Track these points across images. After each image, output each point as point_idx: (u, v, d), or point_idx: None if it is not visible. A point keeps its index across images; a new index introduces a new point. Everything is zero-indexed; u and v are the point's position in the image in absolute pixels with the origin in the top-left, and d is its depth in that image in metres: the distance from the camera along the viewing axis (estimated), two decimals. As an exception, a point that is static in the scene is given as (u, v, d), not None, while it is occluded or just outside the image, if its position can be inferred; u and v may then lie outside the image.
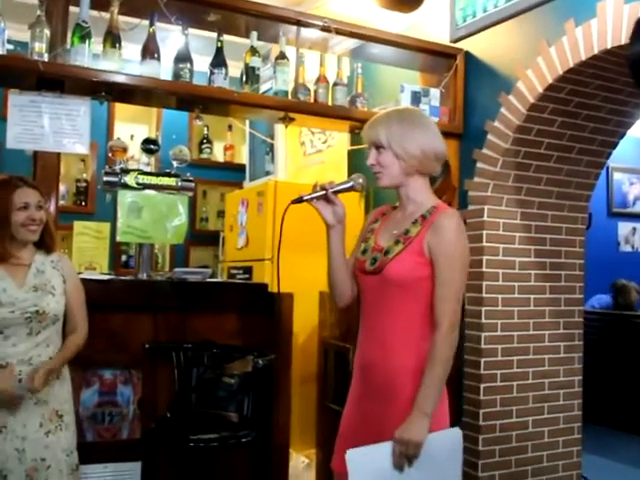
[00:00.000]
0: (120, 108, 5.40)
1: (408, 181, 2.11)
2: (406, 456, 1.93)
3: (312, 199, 2.12)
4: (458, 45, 3.84)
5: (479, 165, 3.65)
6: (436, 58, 3.84)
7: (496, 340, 3.63)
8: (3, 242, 2.33)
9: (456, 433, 2.08)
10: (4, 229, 2.32)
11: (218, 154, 5.96)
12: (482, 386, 3.59)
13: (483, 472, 3.58)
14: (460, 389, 3.71)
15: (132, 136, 4.84)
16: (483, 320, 3.59)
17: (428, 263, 2.02)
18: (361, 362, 2.15)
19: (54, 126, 2.97)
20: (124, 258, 5.29)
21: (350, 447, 1.97)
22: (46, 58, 2.89)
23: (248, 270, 4.38)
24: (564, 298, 3.85)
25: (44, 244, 2.45)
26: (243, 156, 5.63)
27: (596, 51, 3.03)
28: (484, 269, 3.59)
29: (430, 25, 4.06)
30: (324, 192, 2.11)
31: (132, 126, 5.32)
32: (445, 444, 2.02)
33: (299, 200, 2.12)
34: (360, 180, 2.15)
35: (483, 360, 3.59)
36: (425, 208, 2.11)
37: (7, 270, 2.36)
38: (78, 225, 3.24)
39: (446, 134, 3.69)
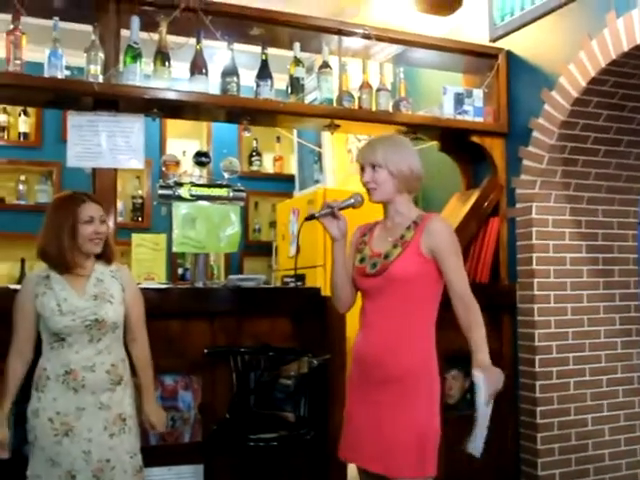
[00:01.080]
0: (172, 125, 5.58)
1: (397, 197, 2.41)
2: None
3: (321, 216, 2.42)
4: (498, 44, 3.86)
5: (525, 163, 3.66)
6: (478, 59, 3.87)
7: (550, 337, 3.62)
8: (72, 253, 2.45)
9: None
10: (73, 240, 2.45)
11: (268, 165, 6.07)
12: (538, 384, 3.59)
13: (543, 471, 3.57)
14: (515, 387, 3.71)
15: (184, 152, 5.00)
16: (536, 317, 3.59)
17: (426, 261, 2.32)
18: (364, 357, 2.37)
19: (110, 144, 3.12)
20: (181, 271, 5.43)
21: (361, 438, 2.33)
22: (101, 79, 3.05)
23: (301, 277, 4.46)
24: (619, 293, 3.82)
25: (104, 255, 2.56)
26: (292, 166, 5.74)
27: (639, 41, 3.02)
28: (534, 266, 3.59)
29: (470, 27, 4.10)
30: (331, 209, 2.41)
31: (184, 141, 5.49)
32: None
33: (311, 217, 2.47)
34: (359, 198, 2.45)
35: (538, 357, 3.59)
36: (414, 216, 2.41)
37: (68, 280, 2.47)
38: (136, 237, 3.36)
39: (491, 133, 3.79)
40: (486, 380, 2.26)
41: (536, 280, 3.60)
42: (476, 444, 2.31)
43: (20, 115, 5.33)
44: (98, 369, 2.42)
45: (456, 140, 3.94)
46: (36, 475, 2.38)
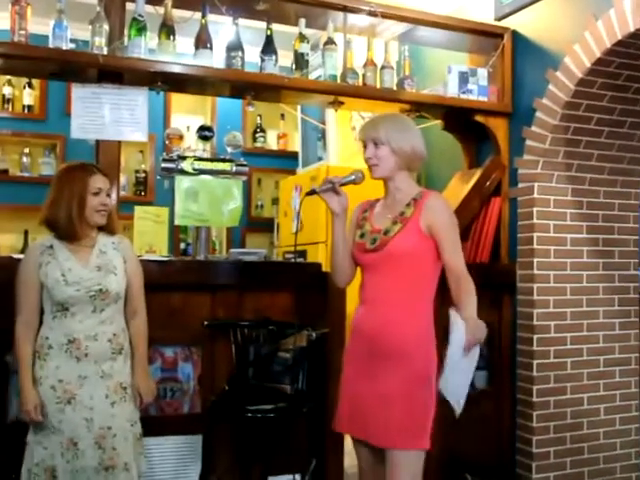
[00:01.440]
0: (176, 100, 5.58)
1: (397, 174, 2.46)
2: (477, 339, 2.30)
3: (322, 191, 2.46)
4: (504, 24, 3.85)
5: (528, 143, 3.66)
6: (483, 38, 3.86)
7: (549, 317, 3.64)
8: (80, 223, 2.47)
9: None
10: (81, 211, 2.47)
11: (272, 142, 6.07)
12: (535, 362, 3.61)
13: (537, 448, 3.61)
14: (513, 365, 3.74)
15: (188, 127, 4.97)
16: (535, 297, 3.61)
17: (425, 238, 2.36)
18: (363, 329, 2.42)
19: (114, 116, 3.12)
20: (183, 246, 5.45)
21: (357, 410, 2.37)
22: (105, 52, 3.05)
23: (302, 254, 4.48)
24: (618, 274, 3.84)
25: (107, 227, 2.59)
26: (296, 144, 5.73)
27: (645, 22, 3.02)
28: (535, 246, 3.61)
29: (475, 5, 4.07)
30: (332, 185, 2.45)
31: (188, 117, 5.48)
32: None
33: (311, 192, 2.50)
34: (360, 174, 2.49)
35: (536, 337, 3.61)
36: (414, 193, 2.45)
37: (72, 250, 2.50)
38: (139, 210, 3.39)
39: (495, 113, 3.79)
40: (465, 325, 2.27)
41: (536, 260, 3.62)
42: (448, 388, 2.30)
43: (25, 88, 5.33)
44: (100, 338, 2.46)
45: (460, 119, 3.94)
46: (37, 441, 2.42)
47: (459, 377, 2.30)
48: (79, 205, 2.47)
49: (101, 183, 2.53)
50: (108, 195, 2.57)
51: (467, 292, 2.32)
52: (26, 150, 5.32)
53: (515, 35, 3.81)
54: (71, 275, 2.44)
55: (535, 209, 3.61)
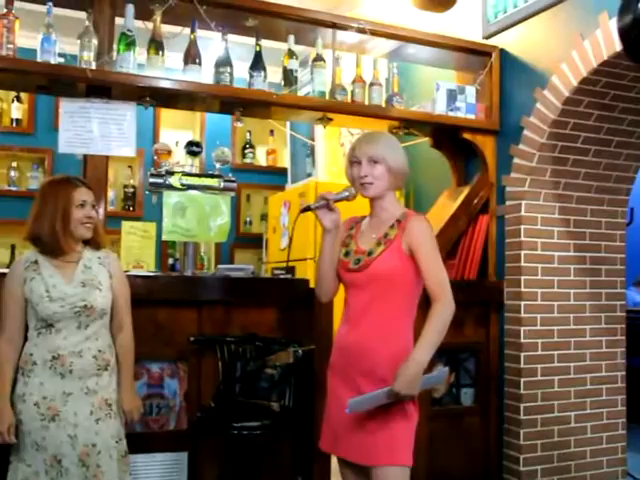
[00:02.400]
0: (165, 116, 5.58)
1: (386, 194, 2.47)
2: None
3: (317, 208, 2.45)
4: (492, 42, 3.88)
5: (516, 161, 3.68)
6: (471, 56, 3.89)
7: (536, 334, 3.65)
8: (64, 237, 2.45)
9: (444, 372, 2.42)
10: (65, 224, 2.45)
11: (261, 158, 6.07)
12: (522, 380, 3.61)
13: (525, 466, 3.60)
14: (500, 382, 3.74)
15: (177, 142, 4.97)
16: (522, 314, 3.62)
17: (407, 259, 2.36)
18: (344, 346, 2.42)
19: (102, 130, 3.12)
20: (171, 261, 5.43)
21: (341, 428, 2.36)
22: (94, 66, 3.05)
23: (291, 270, 4.47)
24: (605, 292, 3.85)
25: (93, 241, 2.57)
26: (285, 160, 5.74)
27: (630, 43, 3.05)
28: (522, 264, 3.62)
29: (464, 24, 4.12)
30: (326, 202, 2.44)
31: (177, 132, 5.48)
32: (433, 379, 2.38)
33: (306, 209, 2.50)
34: (353, 191, 2.48)
35: (523, 354, 3.62)
36: (398, 214, 2.45)
37: (57, 266, 2.48)
38: (126, 225, 3.36)
39: (483, 131, 3.81)
40: (398, 375, 2.23)
41: (523, 277, 3.63)
42: (358, 404, 2.28)
43: (13, 101, 5.32)
44: (85, 354, 2.43)
45: (448, 136, 3.96)
46: (21, 459, 2.39)
47: (368, 403, 2.29)
48: (63, 218, 2.45)
49: (85, 195, 2.52)
50: (94, 207, 2.56)
51: (432, 319, 2.28)
52: (14, 164, 5.31)
53: (503, 53, 3.85)
54: (55, 291, 2.42)
55: (522, 227, 3.63)
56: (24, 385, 2.40)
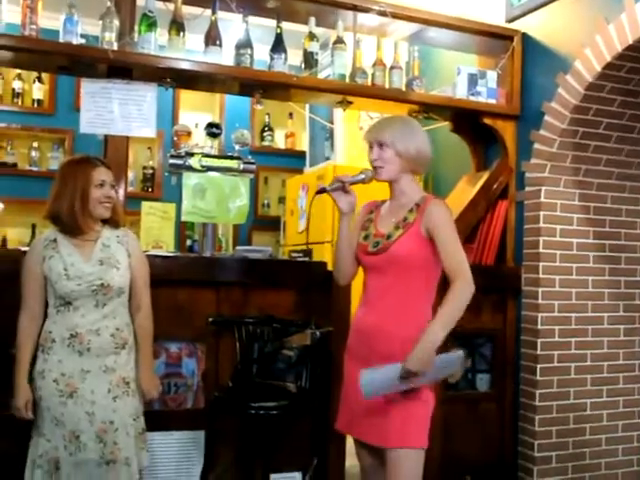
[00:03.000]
0: (185, 97, 5.59)
1: (402, 177, 2.47)
2: (408, 380, 2.25)
3: (332, 190, 2.47)
4: (514, 26, 3.84)
5: (536, 146, 3.65)
6: (493, 40, 3.85)
7: (553, 321, 3.64)
8: (83, 216, 2.47)
9: (460, 356, 2.39)
10: (84, 204, 2.47)
11: (279, 141, 6.07)
12: (539, 367, 3.61)
13: (539, 452, 3.61)
14: (516, 368, 3.74)
15: (196, 124, 5.00)
16: (540, 301, 3.61)
17: (425, 243, 2.37)
18: (360, 328, 2.45)
19: (123, 111, 3.13)
20: (189, 243, 5.46)
21: (357, 409, 2.37)
22: (115, 47, 3.06)
23: (308, 253, 4.48)
24: (624, 280, 3.83)
25: (112, 220, 2.58)
26: (304, 143, 5.74)
27: (656, 27, 3.01)
28: (541, 250, 3.60)
29: (485, 7, 4.06)
30: (342, 184, 2.46)
31: (196, 114, 5.50)
32: (447, 362, 2.36)
33: (322, 191, 2.50)
34: (369, 173, 2.49)
35: (540, 341, 3.61)
36: (417, 198, 2.45)
37: (75, 244, 2.50)
38: (146, 205, 3.39)
39: (503, 116, 3.78)
40: (412, 352, 2.24)
41: (542, 264, 3.61)
42: (371, 385, 2.28)
43: (34, 82, 5.35)
44: (103, 333, 2.45)
45: (468, 121, 3.94)
46: (41, 434, 2.43)
47: (380, 385, 2.28)
48: (82, 198, 2.46)
49: (104, 175, 2.53)
50: (113, 187, 2.57)
51: (450, 299, 2.27)
52: (35, 144, 5.34)
53: (525, 38, 3.81)
54: (73, 270, 2.44)
55: (542, 213, 3.61)
56: (44, 362, 2.44)
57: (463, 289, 2.29)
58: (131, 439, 2.48)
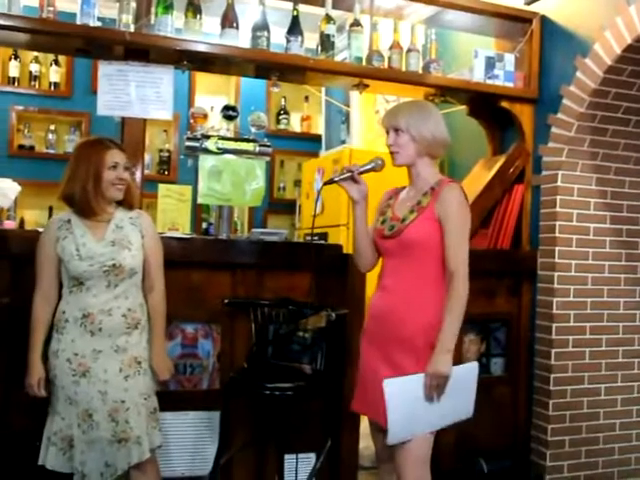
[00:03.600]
0: (200, 81, 5.59)
1: (419, 161, 2.47)
2: (436, 387, 2.30)
3: (341, 180, 2.49)
4: (533, 8, 3.80)
5: (553, 130, 3.63)
6: (511, 23, 3.82)
7: (568, 306, 3.63)
8: (96, 198, 2.49)
9: (473, 366, 2.43)
10: (97, 185, 2.48)
11: (295, 125, 6.06)
12: (553, 351, 3.61)
13: (553, 436, 3.62)
14: (531, 353, 3.74)
15: (212, 107, 5.00)
16: (555, 285, 3.60)
17: (438, 226, 2.37)
18: (376, 312, 2.48)
19: (140, 94, 3.14)
20: (205, 225, 5.48)
21: (371, 391, 2.40)
22: (132, 29, 3.07)
23: (324, 236, 4.50)
24: (641, 266, 3.81)
25: (125, 202, 2.59)
26: (319, 126, 5.72)
27: (677, 10, 2.98)
28: (557, 234, 3.59)
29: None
30: (351, 174, 2.48)
31: (212, 97, 5.49)
32: (464, 376, 2.39)
33: (330, 182, 2.52)
34: (379, 162, 2.51)
35: (555, 325, 3.61)
36: (433, 182, 2.46)
37: (88, 225, 2.52)
38: (162, 188, 3.40)
39: (521, 99, 3.76)
40: (426, 373, 2.31)
41: (558, 248, 3.60)
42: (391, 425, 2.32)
43: (51, 65, 5.36)
44: (115, 313, 2.47)
45: (485, 105, 3.91)
46: (56, 412, 2.47)
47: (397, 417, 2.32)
48: (95, 179, 2.47)
49: (117, 157, 2.53)
50: (127, 169, 2.57)
51: (451, 308, 2.32)
52: (52, 127, 5.36)
53: (544, 20, 3.77)
54: (85, 250, 2.46)
55: (558, 197, 3.59)
56: (57, 342, 2.47)
57: (459, 290, 2.33)
58: (142, 418, 2.49)
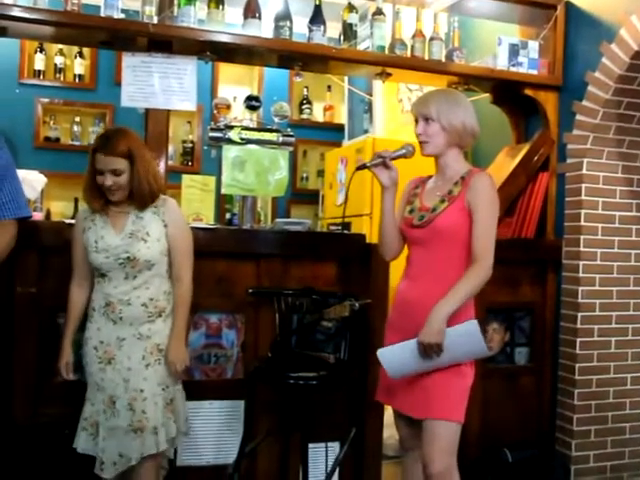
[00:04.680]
0: (223, 71, 5.60)
1: (448, 151, 2.45)
2: (429, 352, 2.28)
3: (372, 166, 2.48)
4: (558, -6, 3.76)
5: (578, 117, 3.59)
6: (535, 9, 3.78)
7: (594, 295, 3.60)
8: (93, 198, 2.50)
9: (472, 324, 2.33)
10: (91, 188, 2.49)
11: (318, 114, 6.06)
12: (578, 340, 3.58)
13: (578, 426, 3.60)
14: (556, 342, 3.72)
15: (235, 98, 5.01)
16: (580, 274, 3.57)
17: (469, 216, 2.36)
18: (404, 301, 2.47)
19: (163, 85, 3.16)
20: (228, 216, 5.50)
21: (396, 381, 2.41)
22: (155, 21, 3.09)
23: (347, 226, 4.50)
24: (667, 255, 3.76)
25: (134, 202, 2.51)
26: (342, 116, 5.71)
27: None
28: (582, 223, 3.56)
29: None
30: (382, 159, 2.46)
31: (235, 88, 5.51)
32: (464, 334, 2.31)
33: (362, 167, 2.52)
34: (410, 148, 2.50)
35: (580, 314, 3.58)
36: (463, 171, 2.44)
37: (110, 217, 2.52)
38: (186, 178, 3.42)
39: (545, 87, 3.73)
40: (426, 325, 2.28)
41: (583, 237, 3.57)
42: (388, 361, 2.34)
43: (76, 57, 5.41)
44: (134, 303, 2.48)
45: (509, 92, 3.88)
46: (88, 398, 2.52)
47: (403, 359, 2.33)
48: (89, 182, 2.49)
49: (101, 163, 2.43)
50: (116, 174, 2.43)
51: (465, 278, 2.30)
52: (77, 119, 5.42)
53: (568, 6, 3.72)
54: (102, 242, 2.48)
55: (583, 185, 3.56)
56: (87, 330, 2.53)
57: (478, 274, 2.31)
58: (159, 409, 2.48)
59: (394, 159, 2.49)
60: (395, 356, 2.35)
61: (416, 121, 2.48)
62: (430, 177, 2.58)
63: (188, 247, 2.61)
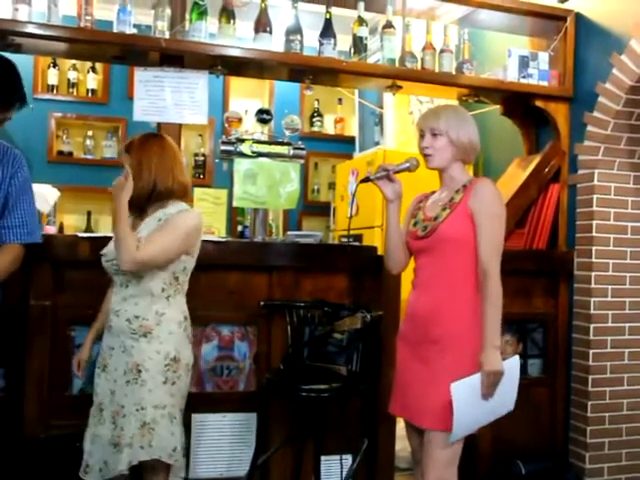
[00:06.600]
0: (234, 85, 5.64)
1: (452, 165, 2.48)
2: (493, 385, 2.28)
3: (376, 179, 2.51)
4: (567, 6, 3.77)
5: (589, 128, 3.59)
6: (545, 21, 3.79)
7: (606, 306, 3.59)
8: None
9: (515, 360, 2.39)
10: None
11: (329, 127, 6.08)
12: (591, 352, 3.57)
13: (592, 438, 3.57)
14: (569, 354, 3.70)
15: (246, 111, 5.05)
16: (593, 285, 3.56)
17: (472, 222, 2.36)
18: (413, 312, 2.47)
19: (175, 99, 3.20)
20: (240, 228, 5.52)
21: (407, 392, 2.44)
22: (167, 36, 3.13)
23: (358, 238, 4.51)
24: (681, 265, 3.74)
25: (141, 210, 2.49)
26: (353, 128, 5.73)
27: None
28: (594, 234, 3.55)
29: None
30: (386, 173, 2.49)
31: (246, 101, 5.54)
32: (508, 370, 2.33)
33: (366, 180, 2.55)
34: (414, 162, 2.51)
35: (592, 326, 3.56)
36: (465, 180, 2.47)
37: (130, 222, 2.40)
38: (198, 192, 3.45)
39: (555, 98, 3.73)
40: (481, 372, 2.29)
41: (595, 248, 3.56)
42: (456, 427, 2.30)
43: (89, 72, 5.46)
44: (121, 315, 2.41)
45: (519, 104, 3.89)
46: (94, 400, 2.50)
47: (463, 417, 2.30)
48: None
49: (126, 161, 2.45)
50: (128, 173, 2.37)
51: (487, 304, 2.30)
52: (90, 133, 5.47)
53: (578, 17, 3.73)
54: (106, 248, 2.50)
55: (595, 196, 3.55)
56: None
57: (492, 291, 2.31)
58: (133, 429, 2.34)
59: (398, 172, 2.51)
60: (466, 388, 2.30)
61: (421, 136, 2.49)
62: (434, 192, 2.59)
63: (166, 238, 2.39)
